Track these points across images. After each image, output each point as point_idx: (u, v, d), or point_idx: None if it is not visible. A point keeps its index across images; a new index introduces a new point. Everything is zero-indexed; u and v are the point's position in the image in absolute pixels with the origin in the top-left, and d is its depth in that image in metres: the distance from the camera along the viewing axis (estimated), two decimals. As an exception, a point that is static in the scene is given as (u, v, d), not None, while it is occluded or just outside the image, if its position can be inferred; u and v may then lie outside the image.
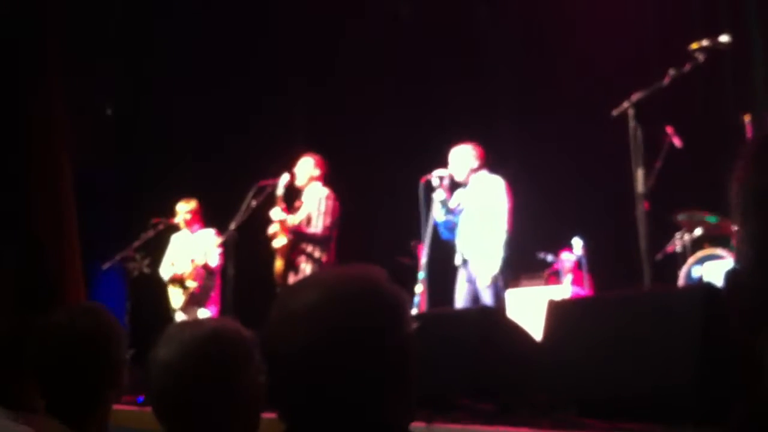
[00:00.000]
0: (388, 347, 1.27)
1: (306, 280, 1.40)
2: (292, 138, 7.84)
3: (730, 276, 0.84)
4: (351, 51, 8.17)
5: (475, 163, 5.53)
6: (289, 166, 6.15)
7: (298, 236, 5.91)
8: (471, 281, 5.42)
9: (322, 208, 5.96)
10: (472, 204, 5.50)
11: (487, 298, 5.31)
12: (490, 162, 5.61)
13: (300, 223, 5.93)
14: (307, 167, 6.07)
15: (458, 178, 5.55)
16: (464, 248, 5.46)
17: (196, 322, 1.68)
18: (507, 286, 5.48)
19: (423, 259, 5.44)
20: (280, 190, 5.93)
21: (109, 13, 8.03)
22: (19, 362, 2.14)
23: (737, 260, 0.85)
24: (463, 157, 5.56)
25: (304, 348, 1.24)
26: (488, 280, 5.30)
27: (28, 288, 5.97)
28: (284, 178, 5.98)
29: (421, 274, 5.40)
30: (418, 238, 5.60)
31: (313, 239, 5.92)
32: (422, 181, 5.50)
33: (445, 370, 2.93)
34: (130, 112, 8.61)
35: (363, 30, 8.17)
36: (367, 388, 1.25)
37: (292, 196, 6.21)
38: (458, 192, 5.63)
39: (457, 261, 5.51)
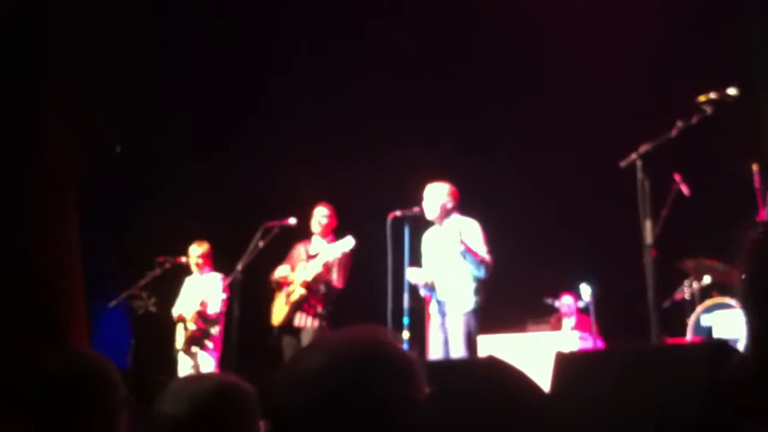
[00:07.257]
0: (393, 411, 1.30)
1: (314, 344, 1.42)
2: (300, 180, 7.82)
3: (737, 362, 0.84)
4: (355, 88, 8.17)
5: (450, 203, 5.46)
6: (298, 210, 6.16)
7: (319, 288, 5.92)
8: (443, 327, 5.31)
9: (342, 263, 5.98)
10: (448, 246, 5.37)
11: (457, 342, 5.19)
12: (463, 203, 5.53)
13: (321, 274, 5.91)
14: (322, 217, 6.13)
15: (429, 216, 5.46)
16: (440, 291, 5.37)
17: (200, 377, 1.69)
18: (478, 331, 5.29)
19: (405, 304, 5.29)
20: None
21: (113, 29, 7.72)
22: (16, 404, 2.12)
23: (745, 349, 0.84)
24: (437, 195, 5.46)
25: (310, 410, 1.27)
26: (459, 318, 5.20)
27: (25, 324, 5.80)
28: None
29: (406, 320, 5.25)
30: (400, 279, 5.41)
31: (333, 291, 5.95)
32: (390, 217, 5.38)
33: (449, 423, 2.90)
34: (139, 149, 8.55)
35: (371, 66, 8.18)
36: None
37: (298, 236, 6.22)
38: (429, 232, 5.55)
39: (431, 309, 5.39)
